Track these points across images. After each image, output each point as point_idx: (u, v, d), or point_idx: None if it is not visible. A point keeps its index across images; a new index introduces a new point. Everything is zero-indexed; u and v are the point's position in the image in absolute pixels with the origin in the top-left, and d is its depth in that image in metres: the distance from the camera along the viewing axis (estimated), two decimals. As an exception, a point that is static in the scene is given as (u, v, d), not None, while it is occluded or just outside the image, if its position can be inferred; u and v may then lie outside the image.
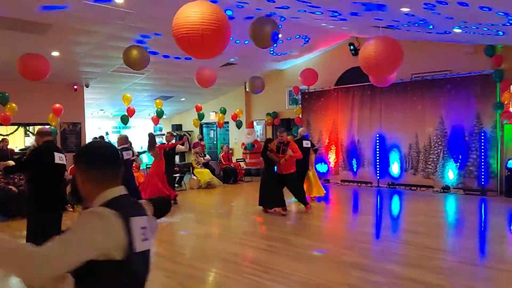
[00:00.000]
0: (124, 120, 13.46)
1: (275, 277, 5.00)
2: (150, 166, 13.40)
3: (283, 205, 8.80)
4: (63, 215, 5.54)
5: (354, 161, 13.09)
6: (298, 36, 11.53)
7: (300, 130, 10.83)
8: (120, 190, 1.77)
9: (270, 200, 8.88)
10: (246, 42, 10.02)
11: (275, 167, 8.94)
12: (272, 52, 12.42)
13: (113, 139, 16.85)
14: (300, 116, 14.44)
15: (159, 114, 14.21)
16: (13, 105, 10.56)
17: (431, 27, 8.90)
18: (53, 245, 1.52)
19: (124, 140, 9.00)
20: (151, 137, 10.23)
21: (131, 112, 13.20)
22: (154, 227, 2.01)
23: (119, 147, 8.66)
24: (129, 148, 9.11)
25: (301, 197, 8.92)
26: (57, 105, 11.35)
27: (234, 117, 14.98)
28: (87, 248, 1.54)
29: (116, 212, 1.63)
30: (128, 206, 1.75)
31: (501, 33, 8.47)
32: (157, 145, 10.38)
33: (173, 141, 11.54)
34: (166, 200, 2.29)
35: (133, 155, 9.17)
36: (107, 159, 1.78)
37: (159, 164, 10.42)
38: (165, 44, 9.91)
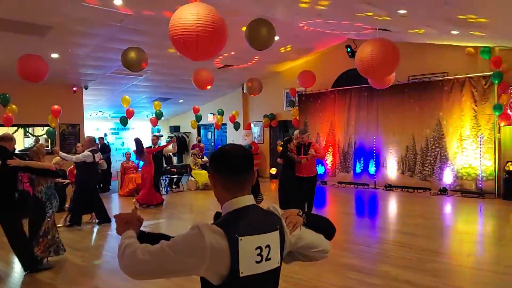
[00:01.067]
0: (123, 121, 13.46)
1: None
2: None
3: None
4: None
5: (351, 163, 13.11)
6: (293, 46, 11.55)
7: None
8: (245, 201, 1.66)
9: (286, 205, 7.85)
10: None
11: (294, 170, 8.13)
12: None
13: (111, 140, 16.85)
14: (297, 118, 14.46)
15: (158, 115, 14.22)
16: (13, 106, 10.58)
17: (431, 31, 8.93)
18: (144, 251, 1.56)
19: (92, 142, 8.55)
20: (138, 143, 9.92)
21: (130, 114, 13.20)
22: (313, 244, 1.78)
23: (89, 150, 8.29)
24: (98, 150, 8.80)
25: (312, 204, 8.28)
26: (56, 107, 11.35)
27: (232, 119, 15.00)
28: (174, 263, 1.53)
29: (222, 231, 1.52)
30: (248, 221, 1.60)
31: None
32: (145, 150, 10.19)
33: (160, 143, 11.41)
34: (328, 224, 1.91)
35: (100, 158, 8.77)
36: (234, 165, 1.65)
37: (149, 169, 10.30)
38: (163, 45, 9.91)
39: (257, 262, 1.57)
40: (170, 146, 11.22)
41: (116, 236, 7.72)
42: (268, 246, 1.60)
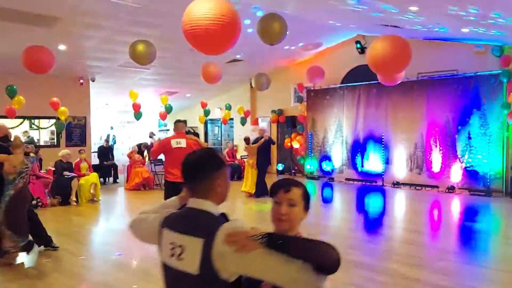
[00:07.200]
0: (137, 116, 13.38)
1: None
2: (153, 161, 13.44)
3: None
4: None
5: (359, 160, 13.05)
6: (302, 41, 11.48)
7: (263, 127, 10.79)
8: (189, 202, 1.78)
9: None
10: (249, 30, 9.81)
11: None
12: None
13: (117, 134, 16.89)
14: (305, 113, 14.41)
15: (168, 109, 14.18)
16: (21, 98, 10.58)
17: (443, 29, 8.84)
18: None
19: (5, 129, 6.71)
20: None
21: (137, 107, 13.16)
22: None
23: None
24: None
25: None
26: (55, 99, 11.33)
27: (247, 114, 15.02)
28: None
29: (162, 219, 1.80)
30: (175, 217, 1.79)
31: (505, 33, 8.40)
32: None
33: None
34: (319, 254, 1.58)
35: None
36: (183, 173, 1.79)
37: None
38: (171, 39, 9.88)
39: (170, 255, 1.69)
40: None
41: (117, 230, 7.73)
42: (181, 246, 1.65)
